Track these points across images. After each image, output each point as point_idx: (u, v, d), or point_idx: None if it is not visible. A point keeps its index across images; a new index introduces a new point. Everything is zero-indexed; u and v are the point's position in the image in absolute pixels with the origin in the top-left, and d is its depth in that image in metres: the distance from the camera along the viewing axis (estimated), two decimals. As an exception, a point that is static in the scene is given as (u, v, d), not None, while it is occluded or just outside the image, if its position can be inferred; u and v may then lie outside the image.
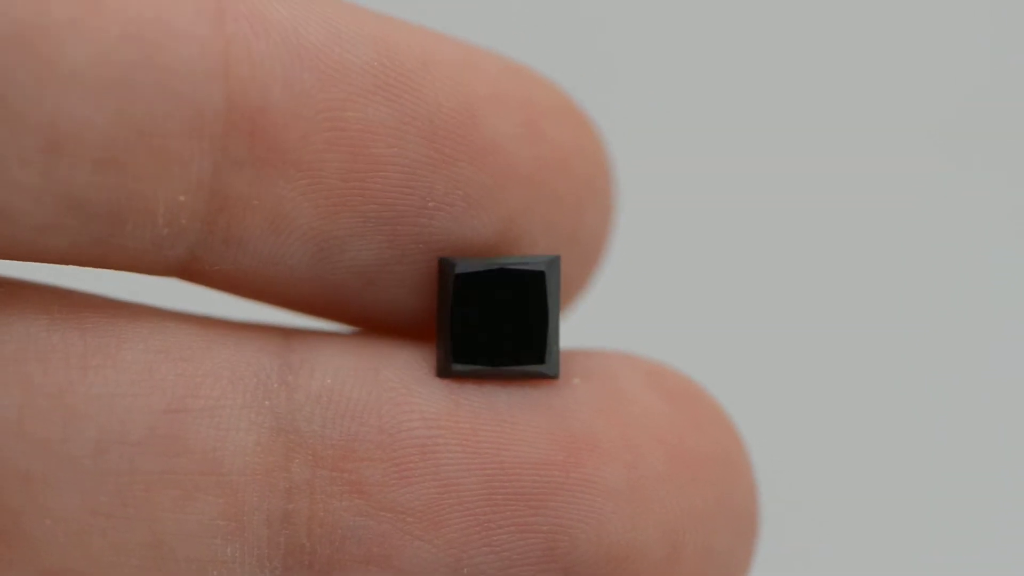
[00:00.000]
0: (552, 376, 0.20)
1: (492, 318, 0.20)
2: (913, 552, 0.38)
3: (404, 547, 0.19)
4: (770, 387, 0.37)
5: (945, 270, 0.40)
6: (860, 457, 0.38)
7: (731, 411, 0.22)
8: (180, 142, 0.18)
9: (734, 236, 0.40)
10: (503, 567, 0.20)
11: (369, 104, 0.19)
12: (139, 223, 0.18)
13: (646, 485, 0.20)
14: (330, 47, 0.19)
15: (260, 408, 0.19)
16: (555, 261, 0.20)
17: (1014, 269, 0.40)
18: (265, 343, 0.20)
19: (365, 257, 0.20)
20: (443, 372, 0.20)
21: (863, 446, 0.38)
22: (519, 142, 0.20)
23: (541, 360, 0.20)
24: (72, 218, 0.18)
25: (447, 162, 0.20)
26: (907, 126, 0.41)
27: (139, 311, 0.19)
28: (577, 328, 0.23)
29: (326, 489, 0.19)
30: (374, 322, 0.21)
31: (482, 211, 0.20)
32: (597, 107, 0.23)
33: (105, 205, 0.18)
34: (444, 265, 0.20)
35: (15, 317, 0.19)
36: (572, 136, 0.21)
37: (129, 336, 0.19)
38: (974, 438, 0.39)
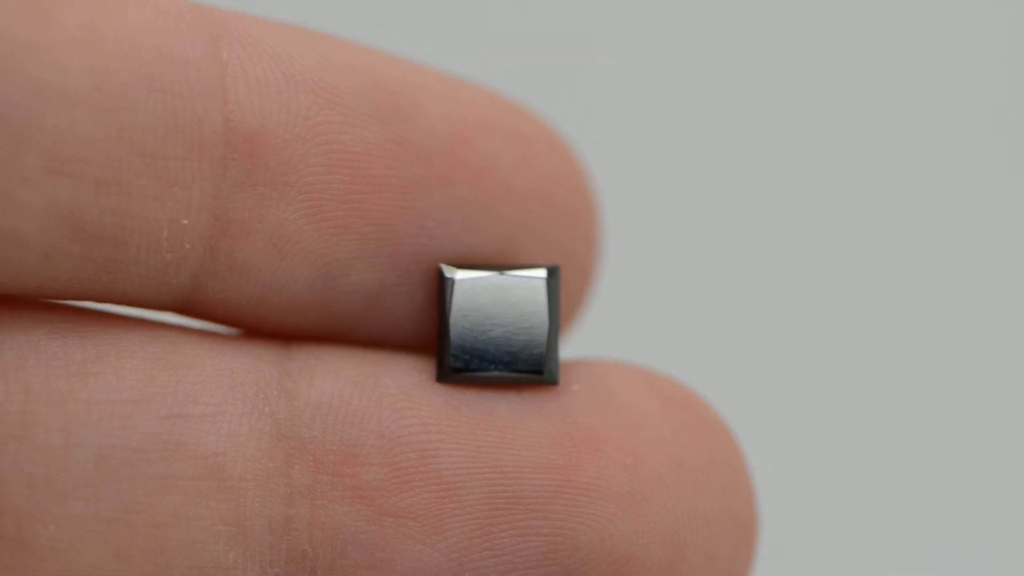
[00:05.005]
0: (552, 383, 0.20)
1: (492, 325, 0.20)
2: (910, 561, 0.38)
3: (406, 551, 0.19)
4: (766, 396, 0.37)
5: (944, 276, 0.41)
6: (856, 467, 0.38)
7: (728, 419, 0.22)
8: (181, 163, 0.18)
9: (727, 250, 0.40)
10: (504, 571, 0.20)
11: (364, 126, 0.20)
12: (143, 247, 0.19)
13: (647, 489, 0.20)
14: (323, 73, 0.20)
15: (260, 414, 0.19)
16: (555, 269, 0.20)
17: (1005, 270, 0.41)
18: (264, 351, 0.20)
19: (368, 280, 0.20)
20: (443, 378, 0.20)
21: (859, 456, 0.38)
22: (510, 165, 0.21)
23: (541, 366, 0.20)
24: (76, 242, 0.18)
25: (444, 182, 0.20)
26: (896, 129, 0.42)
27: (138, 322, 0.20)
28: (575, 342, 0.23)
29: (327, 494, 0.19)
30: (377, 346, 0.21)
31: (481, 230, 0.20)
32: (582, 134, 0.24)
33: (109, 228, 0.18)
34: (444, 271, 0.20)
35: (15, 326, 0.19)
36: (557, 163, 0.21)
37: (129, 344, 0.19)
38: (972, 448, 0.39)
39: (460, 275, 0.20)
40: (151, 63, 0.18)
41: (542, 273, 0.20)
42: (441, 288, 0.20)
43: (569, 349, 0.22)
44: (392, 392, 0.20)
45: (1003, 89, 0.42)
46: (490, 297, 0.20)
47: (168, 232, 0.19)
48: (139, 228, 0.18)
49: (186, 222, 0.19)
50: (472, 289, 0.20)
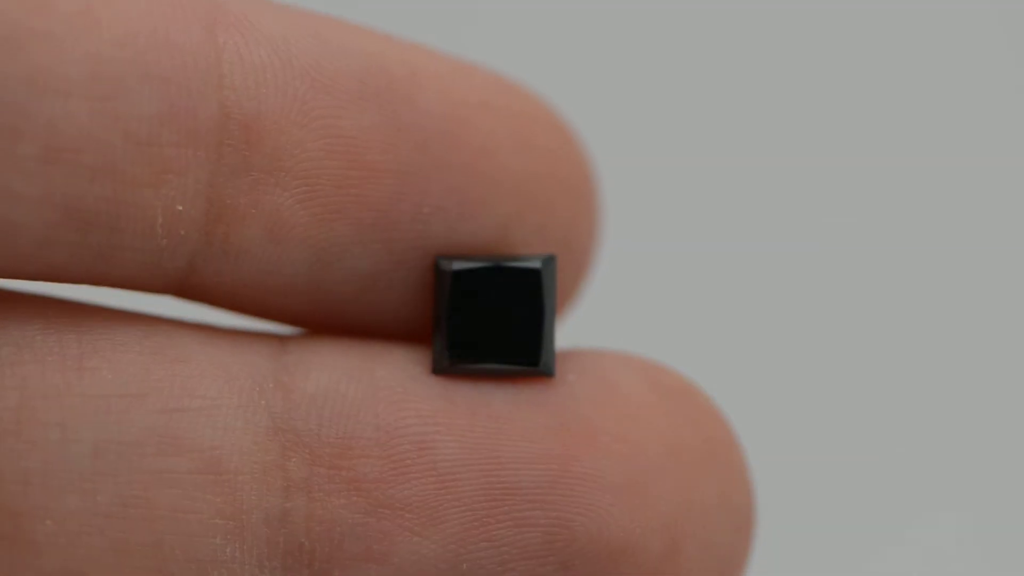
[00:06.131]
0: (548, 374, 0.20)
1: (488, 316, 0.20)
2: (906, 546, 0.38)
3: (403, 543, 0.19)
4: (762, 384, 0.37)
5: (934, 266, 0.40)
6: (853, 453, 0.38)
7: (724, 408, 0.22)
8: (176, 150, 0.18)
9: (724, 238, 0.40)
10: (502, 562, 0.20)
11: (362, 112, 0.20)
12: (138, 233, 0.19)
13: (644, 479, 0.20)
14: (320, 57, 0.20)
15: (256, 408, 0.19)
16: (551, 259, 0.20)
17: (997, 270, 0.41)
18: (260, 345, 0.20)
19: (363, 265, 0.20)
20: (439, 369, 0.20)
21: (855, 442, 0.38)
22: (509, 150, 0.21)
23: (537, 357, 0.20)
24: (71, 229, 0.18)
25: (440, 168, 0.20)
26: (894, 125, 0.42)
27: (133, 316, 0.20)
28: (571, 331, 0.23)
29: (324, 487, 0.19)
30: (371, 331, 0.21)
31: (477, 216, 0.20)
32: (583, 116, 0.24)
33: (104, 215, 0.18)
34: (440, 263, 0.20)
35: (11, 321, 0.19)
36: (557, 146, 0.21)
37: (124, 338, 0.19)
38: (968, 429, 0.39)
39: (456, 265, 0.20)
40: (147, 49, 0.18)
41: (538, 263, 0.20)
42: (436, 279, 0.20)
43: (565, 338, 0.22)
44: (388, 384, 0.20)
45: (1004, 88, 0.42)
46: (486, 288, 0.20)
47: (163, 219, 0.19)
48: (134, 215, 0.18)
49: (181, 208, 0.19)
50: (468, 280, 0.20)
